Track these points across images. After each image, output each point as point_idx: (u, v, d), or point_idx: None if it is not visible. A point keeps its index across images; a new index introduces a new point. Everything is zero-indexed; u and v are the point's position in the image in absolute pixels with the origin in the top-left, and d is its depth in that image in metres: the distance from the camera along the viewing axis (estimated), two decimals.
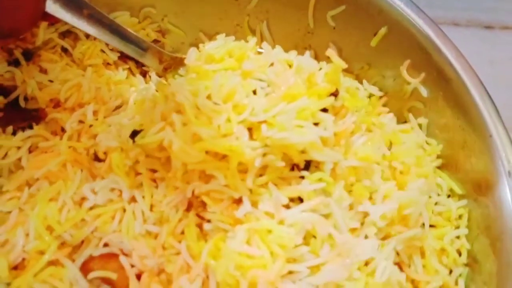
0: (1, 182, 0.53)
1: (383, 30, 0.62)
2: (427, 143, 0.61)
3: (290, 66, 0.57)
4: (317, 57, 0.69)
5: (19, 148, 0.55)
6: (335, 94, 0.53)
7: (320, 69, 0.57)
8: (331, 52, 0.57)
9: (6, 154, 0.54)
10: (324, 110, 0.53)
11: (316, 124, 0.51)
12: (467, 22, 0.92)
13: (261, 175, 0.50)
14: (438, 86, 0.59)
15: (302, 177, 0.51)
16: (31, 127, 0.57)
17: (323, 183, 0.50)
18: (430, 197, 0.56)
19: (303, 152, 0.50)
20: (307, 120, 0.50)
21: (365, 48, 0.64)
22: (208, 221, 0.50)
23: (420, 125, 0.62)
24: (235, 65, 0.57)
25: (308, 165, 0.52)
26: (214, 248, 0.47)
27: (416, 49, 0.60)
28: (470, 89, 0.56)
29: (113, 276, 0.46)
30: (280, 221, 0.48)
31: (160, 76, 0.64)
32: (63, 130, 0.58)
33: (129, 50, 0.59)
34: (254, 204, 0.49)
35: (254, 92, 0.53)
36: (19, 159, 0.54)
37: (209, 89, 0.51)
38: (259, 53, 0.62)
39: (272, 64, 0.55)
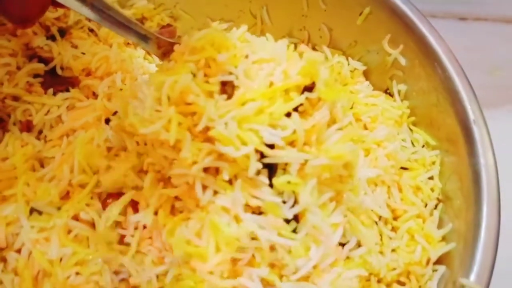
0: (45, 133, 0.62)
1: (367, 10, 0.71)
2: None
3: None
4: (310, 37, 0.79)
5: (59, 106, 0.64)
6: (311, 87, 0.53)
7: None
8: (305, 48, 0.59)
9: (48, 111, 0.63)
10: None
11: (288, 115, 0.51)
12: (444, 14, 1.03)
13: None
14: (415, 55, 0.69)
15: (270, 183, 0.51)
16: (68, 91, 0.66)
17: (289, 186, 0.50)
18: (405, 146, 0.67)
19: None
20: (263, 124, 0.49)
21: (352, 27, 0.74)
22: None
23: (399, 91, 0.72)
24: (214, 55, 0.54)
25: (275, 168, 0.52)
26: (171, 228, 0.51)
27: (395, 25, 0.70)
28: (440, 55, 0.66)
29: None
30: (236, 219, 0.50)
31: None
32: (94, 94, 0.67)
33: (129, 36, 0.60)
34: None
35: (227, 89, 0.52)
36: (59, 116, 0.63)
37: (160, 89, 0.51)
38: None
39: (247, 56, 0.53)
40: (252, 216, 0.50)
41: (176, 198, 0.53)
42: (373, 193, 0.61)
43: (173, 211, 0.53)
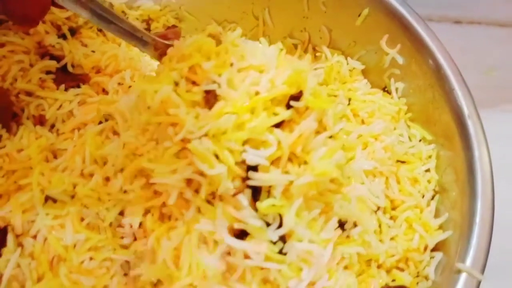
0: (58, 127, 0.64)
1: (365, 11, 0.74)
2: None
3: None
4: (310, 38, 0.82)
5: (71, 101, 0.66)
6: (298, 96, 0.52)
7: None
8: (291, 58, 0.58)
9: (61, 106, 0.66)
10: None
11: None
12: (439, 17, 1.06)
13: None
14: (411, 54, 0.72)
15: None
16: (79, 87, 0.68)
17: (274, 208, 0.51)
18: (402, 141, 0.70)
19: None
20: (241, 139, 0.50)
21: (351, 28, 0.77)
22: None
23: (397, 89, 0.75)
24: (201, 62, 0.54)
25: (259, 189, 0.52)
26: (158, 236, 0.53)
27: (393, 25, 0.73)
28: (436, 54, 0.69)
29: None
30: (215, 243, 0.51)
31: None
32: (104, 90, 0.70)
33: (125, 39, 0.61)
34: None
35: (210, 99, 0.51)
36: (71, 111, 0.66)
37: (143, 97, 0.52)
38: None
39: (232, 64, 0.53)
40: (236, 242, 0.51)
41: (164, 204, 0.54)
42: (371, 183, 0.63)
43: (161, 217, 0.54)
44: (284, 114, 0.51)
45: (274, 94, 0.51)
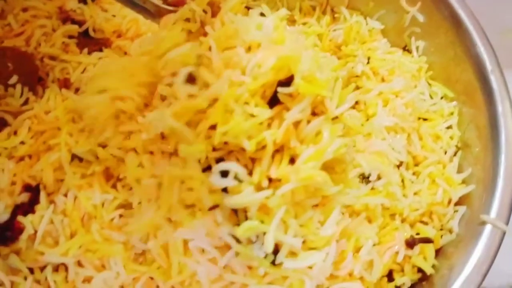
0: (82, 89, 0.65)
1: None
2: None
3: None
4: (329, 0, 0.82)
5: (94, 65, 0.67)
6: (288, 81, 0.50)
7: None
8: (291, 31, 0.60)
9: (85, 69, 0.66)
10: (275, 99, 0.51)
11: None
12: None
13: None
14: (432, 11, 0.71)
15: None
16: (101, 51, 0.69)
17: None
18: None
19: None
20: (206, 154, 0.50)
21: None
22: None
23: (417, 48, 0.75)
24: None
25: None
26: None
27: None
28: (457, 10, 0.68)
29: None
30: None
31: None
32: (126, 54, 0.70)
33: (128, 6, 0.65)
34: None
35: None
36: None
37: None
38: None
39: (210, 48, 0.52)
40: (225, 259, 0.51)
41: None
42: (393, 139, 0.64)
43: None
44: (263, 115, 0.49)
45: (256, 85, 0.49)
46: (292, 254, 0.52)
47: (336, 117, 0.53)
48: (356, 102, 0.69)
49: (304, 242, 0.52)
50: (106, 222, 0.56)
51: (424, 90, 0.71)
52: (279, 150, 0.51)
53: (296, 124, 0.51)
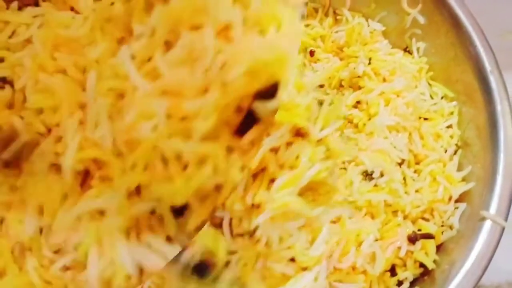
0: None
1: None
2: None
3: None
4: (331, 2, 0.83)
5: (28, 26, 0.49)
6: (269, 91, 0.39)
7: None
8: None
9: (13, 32, 0.48)
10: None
11: None
12: None
13: None
14: (433, 13, 0.73)
15: None
16: (37, 5, 0.51)
17: None
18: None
19: None
20: None
21: None
22: None
23: (418, 49, 0.76)
24: None
25: None
26: None
27: None
28: (458, 13, 0.70)
29: None
30: None
31: None
32: (72, 9, 0.50)
33: None
34: None
35: None
36: (29, 39, 0.48)
37: None
38: None
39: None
40: None
41: None
42: (394, 138, 0.66)
43: None
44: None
45: (223, 101, 0.37)
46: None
47: (320, 140, 0.50)
48: (359, 102, 0.71)
49: (294, 261, 0.52)
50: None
51: (425, 90, 0.73)
52: (258, 174, 0.49)
53: (275, 148, 0.48)
